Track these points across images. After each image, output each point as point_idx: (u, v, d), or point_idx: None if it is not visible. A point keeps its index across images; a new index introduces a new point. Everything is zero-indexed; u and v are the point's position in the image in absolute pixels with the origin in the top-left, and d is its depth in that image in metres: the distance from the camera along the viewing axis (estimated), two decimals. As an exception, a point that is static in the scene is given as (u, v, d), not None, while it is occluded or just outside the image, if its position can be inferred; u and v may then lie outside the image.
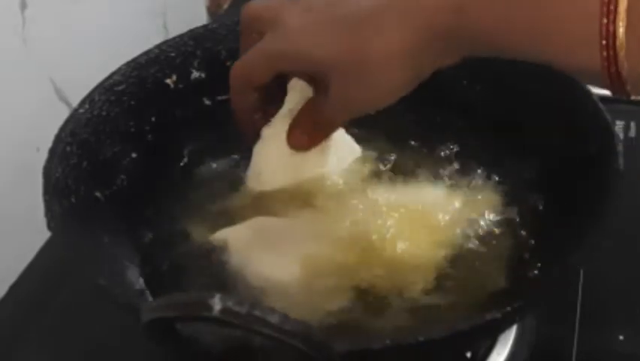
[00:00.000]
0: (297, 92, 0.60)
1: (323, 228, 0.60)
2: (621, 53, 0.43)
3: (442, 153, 0.68)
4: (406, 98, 0.54)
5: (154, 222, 0.64)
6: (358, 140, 0.67)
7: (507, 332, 0.62)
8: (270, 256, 0.58)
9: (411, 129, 0.70)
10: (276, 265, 0.58)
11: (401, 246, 0.59)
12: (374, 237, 0.59)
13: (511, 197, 0.63)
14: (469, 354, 0.61)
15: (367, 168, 0.66)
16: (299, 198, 0.64)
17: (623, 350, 0.62)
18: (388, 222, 0.60)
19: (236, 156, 0.70)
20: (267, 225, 0.62)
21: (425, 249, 0.59)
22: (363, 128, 0.68)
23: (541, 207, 0.62)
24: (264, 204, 0.64)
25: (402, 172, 0.66)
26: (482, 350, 0.61)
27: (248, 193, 0.66)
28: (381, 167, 0.67)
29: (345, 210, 0.62)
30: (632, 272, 0.68)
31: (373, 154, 0.68)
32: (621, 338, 0.63)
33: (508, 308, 0.47)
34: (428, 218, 0.61)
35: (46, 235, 0.59)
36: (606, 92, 0.85)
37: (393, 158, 0.67)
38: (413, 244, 0.59)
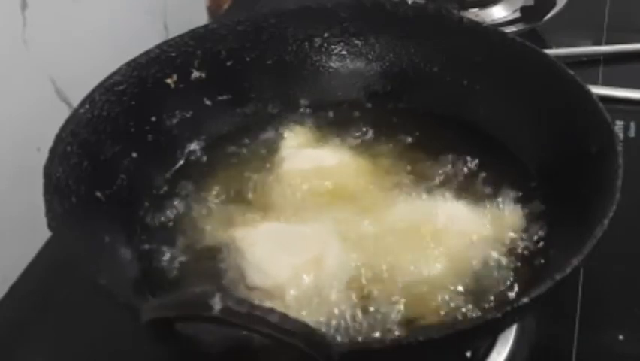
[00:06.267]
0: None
1: (334, 236, 0.60)
2: None
3: (450, 162, 0.67)
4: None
5: (154, 222, 0.64)
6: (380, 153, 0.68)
7: (507, 332, 0.62)
8: (275, 258, 0.58)
9: (419, 138, 0.70)
10: (280, 267, 0.57)
11: (413, 263, 0.58)
12: (386, 250, 0.59)
13: (512, 197, 0.64)
14: (469, 354, 0.61)
15: (386, 181, 0.66)
16: (310, 205, 0.64)
17: (623, 350, 0.62)
18: (403, 238, 0.60)
19: (236, 156, 0.70)
20: (276, 229, 0.61)
21: (438, 266, 0.58)
22: (385, 142, 0.69)
23: (541, 207, 0.62)
24: (266, 207, 0.64)
25: (418, 186, 0.65)
26: (482, 350, 0.61)
27: (250, 194, 0.66)
28: (400, 180, 0.66)
29: (359, 222, 0.61)
30: (632, 272, 0.68)
31: (392, 167, 0.68)
32: (621, 338, 0.63)
33: (508, 308, 0.47)
34: (439, 234, 0.60)
35: (46, 234, 0.59)
36: (606, 92, 0.86)
37: (410, 171, 0.67)
38: (426, 261, 0.58)
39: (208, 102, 0.72)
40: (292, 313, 0.40)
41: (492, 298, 0.56)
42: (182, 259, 0.61)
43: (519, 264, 0.59)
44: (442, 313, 0.55)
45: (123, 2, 0.92)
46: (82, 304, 0.66)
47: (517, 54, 0.68)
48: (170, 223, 0.64)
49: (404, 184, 0.66)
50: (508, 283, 0.57)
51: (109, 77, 0.66)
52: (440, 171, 0.66)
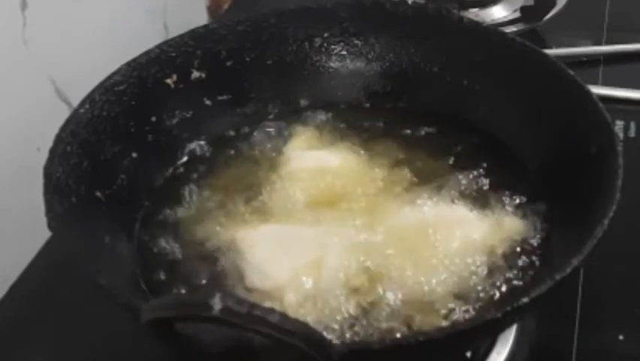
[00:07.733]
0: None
1: (335, 238, 0.60)
2: None
3: (450, 163, 0.67)
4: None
5: (154, 222, 0.64)
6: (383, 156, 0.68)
7: (507, 332, 0.62)
8: (276, 260, 0.58)
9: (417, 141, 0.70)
10: (280, 269, 0.57)
11: (414, 265, 0.58)
12: (386, 252, 0.59)
13: (512, 198, 0.64)
14: (469, 354, 0.61)
15: (386, 182, 0.66)
16: (311, 207, 0.64)
17: (623, 350, 0.62)
18: (404, 239, 0.60)
19: (236, 156, 0.70)
20: (277, 231, 0.61)
21: (438, 268, 0.58)
22: (384, 142, 0.69)
23: (541, 207, 0.62)
24: (266, 208, 0.64)
25: (418, 187, 0.65)
26: (482, 350, 0.61)
27: (250, 195, 0.66)
28: (400, 181, 0.66)
29: (360, 224, 0.61)
30: (632, 272, 0.68)
31: (392, 167, 0.67)
32: (621, 338, 0.63)
33: (508, 308, 0.47)
34: (440, 235, 0.60)
35: (46, 234, 0.59)
36: (606, 92, 0.86)
37: (410, 171, 0.67)
38: (426, 263, 0.58)
39: (208, 102, 0.72)
40: (292, 315, 0.40)
41: (492, 298, 0.56)
42: (183, 259, 0.61)
43: (519, 264, 0.59)
44: (443, 314, 0.55)
45: (123, 2, 0.92)
46: (82, 304, 0.66)
47: (517, 54, 0.68)
48: (170, 224, 0.64)
49: (404, 185, 0.66)
50: (508, 283, 0.57)
51: (109, 77, 0.66)
52: (441, 172, 0.66)
